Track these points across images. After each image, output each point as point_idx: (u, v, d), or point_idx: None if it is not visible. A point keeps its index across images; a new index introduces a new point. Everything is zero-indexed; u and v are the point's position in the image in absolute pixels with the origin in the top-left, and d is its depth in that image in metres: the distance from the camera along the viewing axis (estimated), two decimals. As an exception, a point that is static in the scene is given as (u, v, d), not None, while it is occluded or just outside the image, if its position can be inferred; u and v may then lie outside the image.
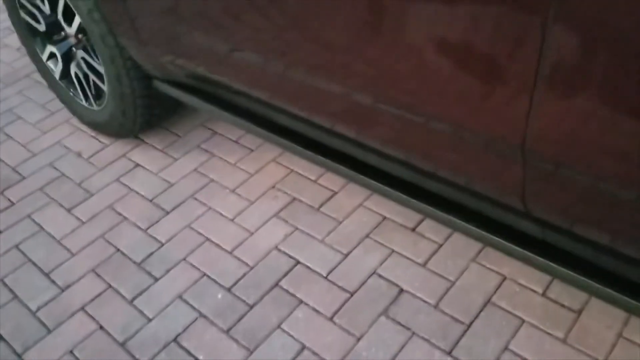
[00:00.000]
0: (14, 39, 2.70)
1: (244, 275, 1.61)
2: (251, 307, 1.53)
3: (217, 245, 1.71)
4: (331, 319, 1.47)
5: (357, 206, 1.74)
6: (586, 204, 0.96)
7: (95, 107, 2.03)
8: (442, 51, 0.97)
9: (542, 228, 1.08)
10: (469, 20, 0.90)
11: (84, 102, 2.07)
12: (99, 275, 1.68)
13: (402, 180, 1.31)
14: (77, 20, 1.83)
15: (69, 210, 1.89)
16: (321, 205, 1.77)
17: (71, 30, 1.90)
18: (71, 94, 2.11)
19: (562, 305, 1.42)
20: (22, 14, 2.05)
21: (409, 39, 1.00)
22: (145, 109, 1.91)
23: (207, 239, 1.73)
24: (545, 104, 0.89)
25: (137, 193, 1.92)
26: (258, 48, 1.29)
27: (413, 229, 1.65)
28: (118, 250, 1.74)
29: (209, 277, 1.62)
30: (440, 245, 1.60)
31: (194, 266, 1.66)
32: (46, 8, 1.94)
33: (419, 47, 0.99)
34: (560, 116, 0.89)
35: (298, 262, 1.62)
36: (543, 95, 0.88)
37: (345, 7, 1.05)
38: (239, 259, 1.65)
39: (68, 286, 1.66)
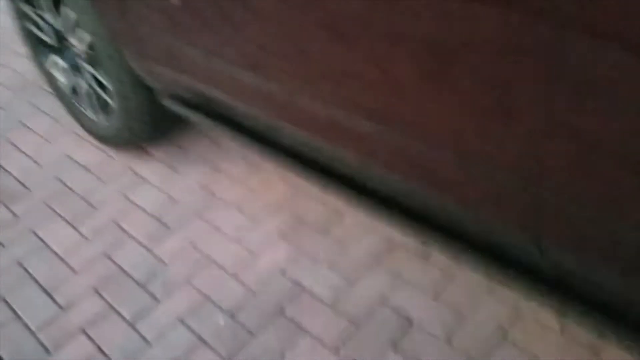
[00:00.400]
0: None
1: (246, 299, 1.56)
2: (253, 334, 1.47)
3: (219, 265, 1.66)
4: (336, 350, 1.41)
5: (364, 228, 1.68)
6: (607, 249, 0.89)
7: (101, 120, 2.00)
8: (449, 80, 0.90)
9: (558, 271, 1.01)
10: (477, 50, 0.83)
11: (90, 114, 2.04)
12: (99, 294, 1.64)
13: (407, 208, 1.24)
14: (84, 34, 1.80)
15: (72, 225, 1.86)
16: (327, 226, 1.71)
17: (78, 43, 1.87)
18: (78, 106, 2.08)
19: (580, 342, 1.34)
20: (29, 26, 2.03)
21: (417, 70, 0.93)
22: (151, 124, 1.88)
23: (209, 259, 1.68)
24: (560, 136, 0.82)
25: (141, 208, 1.88)
26: (255, 69, 1.24)
27: (423, 255, 1.58)
28: (120, 268, 1.70)
29: (210, 299, 1.57)
30: (453, 274, 1.52)
31: (195, 287, 1.61)
32: (55, 22, 1.91)
33: (427, 78, 0.93)
34: (579, 151, 0.81)
35: (302, 287, 1.56)
36: (560, 117, 0.81)
37: (346, 33, 0.99)
38: (241, 282, 1.60)
39: (69, 305, 1.63)
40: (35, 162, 2.12)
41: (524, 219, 0.97)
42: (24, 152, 2.17)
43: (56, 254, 1.78)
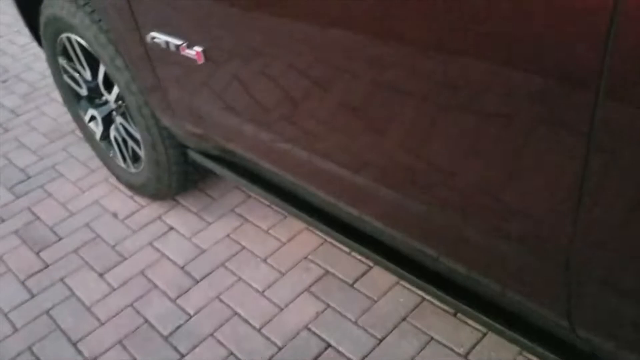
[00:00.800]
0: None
1: (272, 357, 1.52)
2: (278, 394, 1.44)
3: (246, 320, 1.63)
4: (362, 414, 1.36)
5: (394, 284, 1.64)
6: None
7: (132, 170, 2.03)
8: (480, 155, 0.88)
9: (591, 347, 0.96)
10: (502, 103, 0.81)
11: (122, 164, 2.08)
12: (125, 348, 1.63)
13: (434, 272, 1.20)
14: (116, 88, 1.85)
15: (101, 275, 1.87)
16: (355, 281, 1.68)
17: (111, 97, 1.92)
18: (110, 155, 2.12)
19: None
20: (65, 78, 2.09)
21: (443, 133, 0.92)
22: (180, 176, 1.90)
23: (236, 313, 1.66)
24: (596, 205, 0.78)
25: (169, 259, 1.88)
26: (284, 134, 1.24)
27: (454, 314, 1.53)
28: (146, 321, 1.69)
29: (235, 356, 1.55)
30: (484, 334, 1.47)
31: (220, 343, 1.59)
32: (87, 74, 1.97)
33: (450, 146, 0.91)
34: (617, 220, 0.78)
35: (329, 345, 1.52)
36: (594, 193, 0.78)
37: (369, 99, 0.98)
38: (267, 338, 1.57)
39: (94, 358, 1.62)
40: (67, 209, 2.15)
41: (554, 296, 0.93)
42: (56, 199, 2.21)
43: (83, 303, 1.78)
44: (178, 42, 1.36)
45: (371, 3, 0.88)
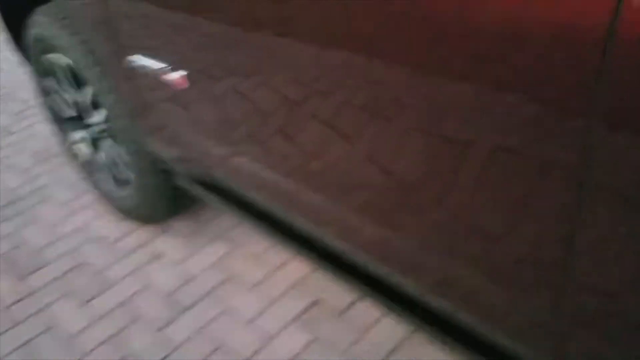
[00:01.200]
0: (54, 114, 2.73)
1: (259, 391, 1.47)
2: None
3: (232, 349, 1.58)
4: None
5: (385, 313, 1.58)
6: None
7: (121, 193, 1.98)
8: (480, 203, 0.83)
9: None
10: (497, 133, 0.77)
11: (110, 187, 2.03)
12: (107, 381, 1.57)
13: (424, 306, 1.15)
14: (103, 110, 1.81)
15: (86, 303, 1.81)
16: (346, 309, 1.62)
17: (98, 118, 1.88)
18: (99, 177, 2.07)
19: None
20: (52, 98, 2.06)
21: (432, 181, 0.87)
22: (169, 200, 1.85)
23: (223, 344, 1.60)
24: (590, 246, 0.73)
25: (157, 285, 1.83)
26: (267, 161, 1.20)
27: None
28: (131, 351, 1.64)
29: (221, 390, 1.49)
30: (479, 368, 1.41)
31: (206, 376, 1.53)
32: (75, 95, 1.93)
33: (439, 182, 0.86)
34: (611, 262, 0.73)
35: (318, 380, 1.46)
36: (586, 233, 0.73)
37: (352, 132, 0.94)
38: (254, 371, 1.52)
39: (74, 393, 1.56)
40: (55, 233, 2.11)
41: (544, 338, 0.87)
42: (44, 223, 2.16)
43: (66, 333, 1.72)
44: (161, 66, 1.32)
45: (360, 23, 0.84)
